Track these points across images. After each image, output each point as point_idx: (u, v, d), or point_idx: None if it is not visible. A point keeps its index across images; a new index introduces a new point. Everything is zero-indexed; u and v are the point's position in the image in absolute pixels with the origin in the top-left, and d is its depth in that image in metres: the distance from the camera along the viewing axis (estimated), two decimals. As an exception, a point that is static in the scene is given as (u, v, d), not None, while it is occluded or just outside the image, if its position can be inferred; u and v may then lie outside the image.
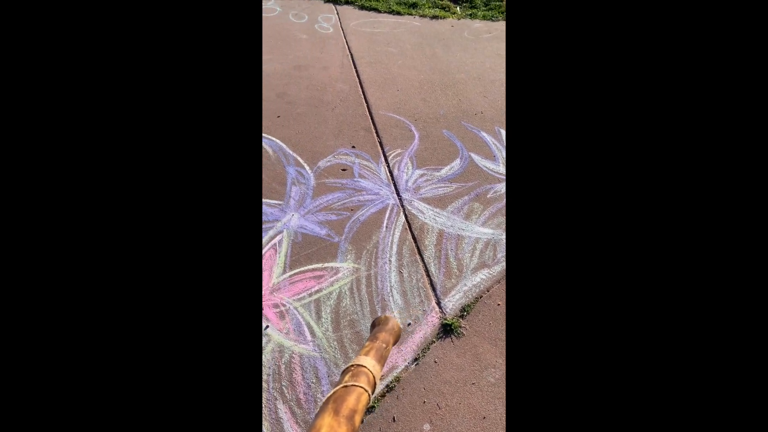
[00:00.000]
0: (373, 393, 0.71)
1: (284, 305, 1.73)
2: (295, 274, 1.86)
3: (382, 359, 0.81)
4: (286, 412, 1.41)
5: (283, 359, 1.55)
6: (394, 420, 1.40)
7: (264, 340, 1.61)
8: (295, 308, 1.72)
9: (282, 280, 1.83)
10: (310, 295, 1.78)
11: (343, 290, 1.80)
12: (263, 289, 1.79)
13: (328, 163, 2.51)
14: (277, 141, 2.67)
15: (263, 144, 2.63)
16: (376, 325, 1.00)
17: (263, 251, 1.95)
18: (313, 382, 1.49)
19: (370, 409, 1.42)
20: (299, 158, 2.53)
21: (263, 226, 2.08)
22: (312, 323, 1.67)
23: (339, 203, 2.25)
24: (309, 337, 1.62)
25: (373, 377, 0.73)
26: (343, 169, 2.48)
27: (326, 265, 1.91)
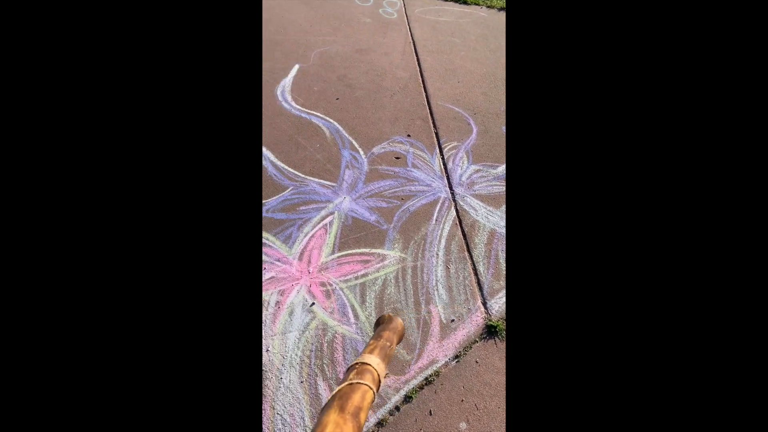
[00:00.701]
0: (377, 391, 0.71)
1: (331, 285, 1.76)
2: (343, 255, 1.89)
3: (386, 358, 0.81)
4: (325, 389, 1.44)
5: (326, 337, 1.58)
6: (430, 413, 1.40)
7: (309, 316, 1.65)
8: (341, 289, 1.75)
9: (330, 260, 1.86)
10: (356, 278, 1.79)
11: (389, 278, 1.80)
12: (312, 265, 1.83)
13: (383, 150, 2.51)
14: (335, 123, 2.69)
15: (320, 124, 2.66)
16: (381, 323, 0.99)
17: (314, 229, 1.99)
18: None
19: (407, 399, 1.42)
20: (354, 142, 2.54)
21: (315, 205, 2.11)
22: (356, 306, 1.69)
23: (390, 191, 2.24)
24: (352, 319, 1.64)
25: (378, 375, 0.72)
26: (397, 157, 2.46)
27: (373, 251, 1.92)
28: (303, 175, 2.29)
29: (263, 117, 2.70)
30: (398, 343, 0.93)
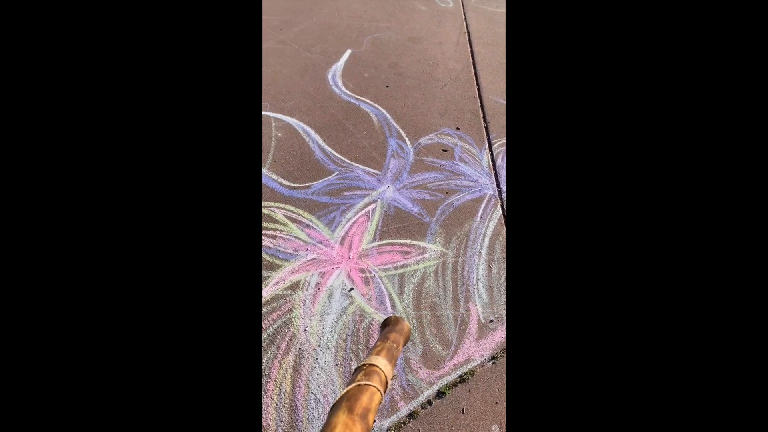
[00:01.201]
0: (385, 392, 0.70)
1: (370, 272, 1.76)
2: (383, 244, 1.88)
3: (393, 359, 0.80)
4: (359, 374, 1.45)
5: (362, 323, 1.59)
6: (462, 412, 1.38)
7: (347, 301, 1.66)
8: (380, 277, 1.75)
9: (371, 248, 1.86)
10: (396, 268, 1.79)
11: (428, 271, 1.78)
12: (353, 251, 1.84)
13: (430, 141, 2.46)
14: (383, 111, 2.67)
15: (369, 111, 2.65)
16: (387, 325, 0.98)
17: (357, 216, 2.00)
18: (388, 353, 1.51)
19: (440, 395, 1.41)
20: (402, 131, 2.52)
21: (359, 192, 2.12)
22: (394, 296, 1.68)
23: (435, 184, 2.20)
24: (389, 308, 1.64)
25: (385, 377, 0.72)
26: (444, 150, 2.42)
27: (414, 242, 1.90)
28: (349, 161, 2.29)
29: (314, 100, 2.72)
30: (404, 345, 0.93)
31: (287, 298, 1.66)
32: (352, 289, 1.70)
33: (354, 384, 0.68)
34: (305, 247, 1.85)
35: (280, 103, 2.68)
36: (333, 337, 1.55)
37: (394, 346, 0.87)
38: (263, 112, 2.61)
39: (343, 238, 1.90)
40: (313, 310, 1.63)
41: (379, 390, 0.68)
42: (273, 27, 3.54)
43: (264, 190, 2.10)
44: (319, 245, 1.86)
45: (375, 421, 0.68)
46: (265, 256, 1.81)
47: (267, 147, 2.36)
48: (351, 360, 1.49)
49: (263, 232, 1.91)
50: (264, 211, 2.00)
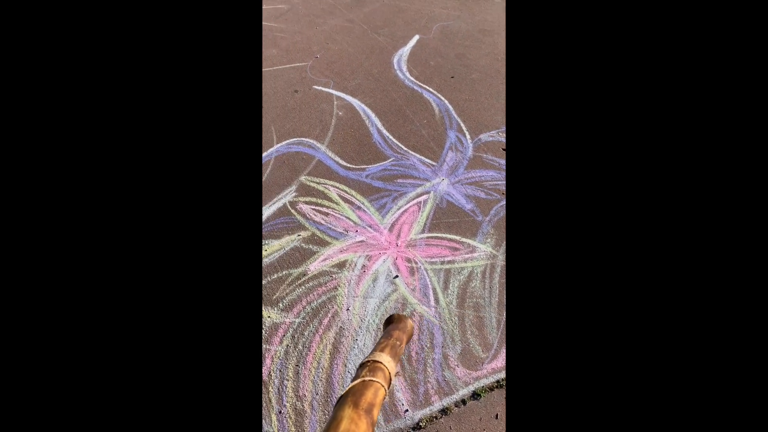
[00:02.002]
0: (389, 388, 0.70)
1: (416, 263, 1.75)
2: (432, 237, 1.86)
3: (396, 356, 0.81)
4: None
5: (404, 312, 1.59)
6: (496, 417, 1.36)
7: (391, 288, 1.66)
8: (426, 270, 1.73)
9: (419, 239, 1.85)
10: (443, 263, 1.77)
11: (476, 271, 1.75)
12: (401, 239, 1.83)
13: (491, 138, 2.39)
14: (445, 101, 2.61)
15: (431, 100, 2.60)
16: (391, 322, 0.97)
17: (408, 204, 1.98)
18: (426, 346, 1.51)
19: (475, 396, 1.39)
20: (462, 124, 2.46)
21: (413, 181, 2.10)
22: (438, 290, 1.67)
23: (491, 182, 2.14)
24: (432, 302, 1.63)
25: (389, 373, 0.72)
26: (505, 149, 2.34)
27: (464, 240, 1.86)
28: (405, 149, 2.27)
29: (378, 82, 2.70)
30: (407, 343, 0.93)
31: (334, 276, 1.69)
32: (396, 276, 1.70)
33: (359, 380, 0.69)
34: (355, 229, 1.87)
35: (343, 81, 2.69)
36: (374, 321, 1.56)
37: (398, 343, 0.87)
38: (326, 89, 2.62)
39: (393, 225, 1.89)
40: (357, 291, 1.65)
41: (383, 386, 0.69)
42: (344, 4, 3.53)
43: (320, 167, 2.13)
44: (369, 228, 1.87)
45: (379, 416, 0.69)
46: (316, 231, 1.84)
47: (327, 125, 2.38)
48: (389, 346, 1.50)
49: (317, 207, 1.94)
50: (319, 187, 2.03)
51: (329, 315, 1.57)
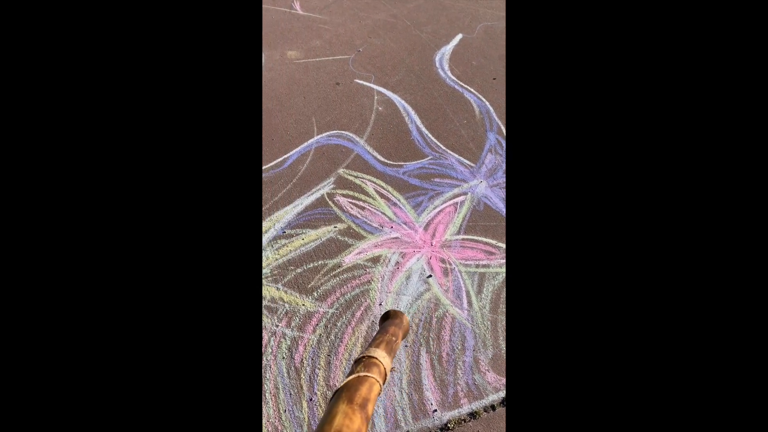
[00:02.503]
0: (384, 384, 0.70)
1: (450, 264, 1.74)
2: (468, 239, 1.84)
3: (392, 352, 0.79)
4: (426, 360, 1.46)
5: (436, 312, 1.58)
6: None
7: (423, 287, 1.66)
8: (460, 272, 1.72)
9: (454, 240, 1.83)
10: (477, 266, 1.75)
11: (510, 277, 1.73)
12: (436, 239, 1.83)
13: (531, 144, 2.34)
14: (486, 103, 2.58)
15: (472, 100, 2.57)
16: (388, 318, 0.96)
17: (444, 204, 1.97)
18: (458, 348, 1.50)
19: (504, 403, 1.38)
20: (503, 128, 2.42)
21: (450, 181, 2.08)
22: (472, 293, 1.65)
23: (530, 188, 2.10)
24: (465, 305, 1.62)
25: (384, 369, 0.72)
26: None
27: (501, 245, 1.84)
28: (444, 148, 2.25)
29: (419, 79, 2.69)
30: (402, 339, 0.92)
31: (367, 270, 1.70)
32: (430, 276, 1.70)
33: (354, 375, 0.69)
34: (390, 225, 1.87)
35: (385, 77, 2.68)
36: (406, 319, 1.56)
37: (393, 339, 0.87)
38: (368, 83, 2.63)
39: (428, 224, 1.89)
40: (390, 287, 1.65)
41: (378, 381, 0.69)
42: (388, -1, 3.52)
43: (359, 161, 2.14)
44: (404, 226, 1.87)
45: (374, 411, 0.69)
46: (352, 224, 1.86)
47: (367, 119, 2.38)
48: (420, 345, 1.50)
49: (353, 200, 1.95)
50: (356, 181, 2.04)
51: (362, 308, 1.58)
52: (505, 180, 2.13)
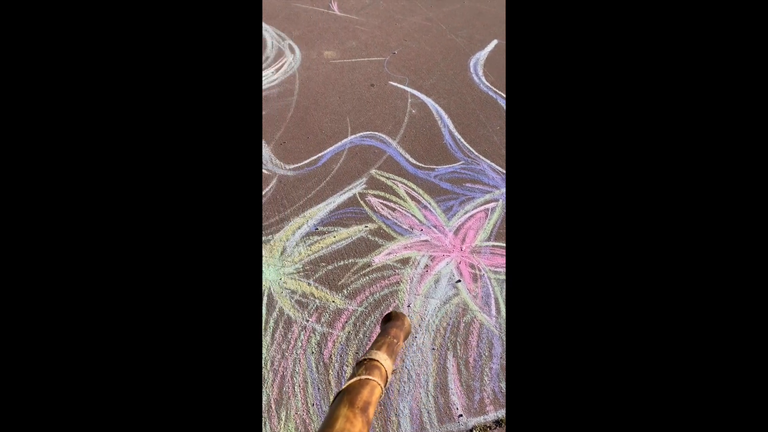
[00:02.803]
0: (385, 386, 0.69)
1: (480, 270, 1.74)
2: (498, 246, 1.83)
3: (393, 354, 0.79)
4: (453, 365, 1.46)
5: (464, 318, 1.58)
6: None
7: (452, 291, 1.66)
8: (489, 278, 1.71)
9: (484, 246, 1.83)
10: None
11: (540, 287, 1.71)
12: (466, 244, 1.83)
13: (565, 153, 2.31)
14: (521, 110, 2.55)
15: (504, 106, 2.55)
16: (389, 320, 0.96)
17: (475, 210, 1.96)
18: (485, 354, 1.49)
19: (532, 413, 1.37)
20: (537, 136, 2.39)
21: (482, 187, 2.07)
22: (500, 301, 1.65)
23: (562, 198, 2.07)
24: (494, 312, 1.61)
25: (386, 371, 0.72)
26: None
27: (531, 253, 1.82)
28: (476, 153, 2.25)
29: (453, 84, 2.69)
30: (404, 340, 0.91)
31: (396, 271, 1.71)
32: (459, 281, 1.70)
33: (355, 378, 0.69)
34: (420, 227, 1.88)
35: (419, 80, 2.69)
36: (434, 322, 1.57)
37: (395, 341, 0.87)
38: (402, 86, 2.65)
39: (458, 229, 1.89)
40: (419, 289, 1.66)
41: (379, 384, 0.69)
42: (424, 2, 3.53)
43: (391, 163, 2.16)
44: (434, 229, 1.88)
45: (375, 414, 0.69)
46: (382, 225, 1.88)
47: (400, 121, 2.40)
48: (447, 350, 1.50)
49: (384, 201, 1.97)
50: (388, 182, 2.06)
51: (390, 309, 1.60)
52: (537, 189, 2.10)
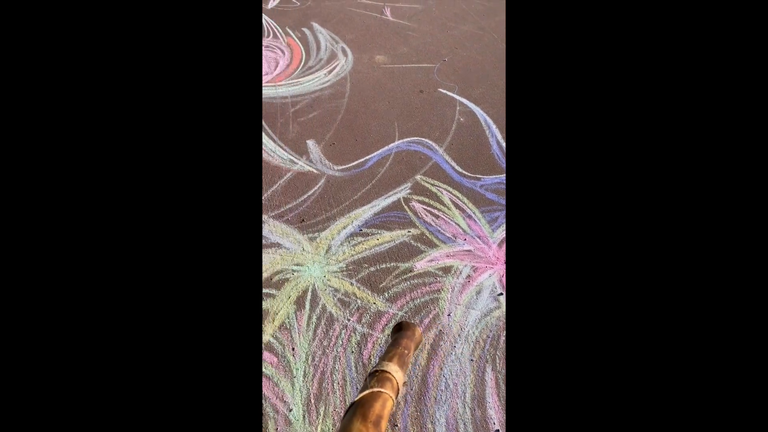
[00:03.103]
0: (396, 398, 0.68)
1: (523, 285, 1.71)
2: (543, 262, 1.80)
3: (404, 365, 0.78)
4: (491, 378, 1.44)
5: (505, 332, 1.56)
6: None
7: (494, 304, 1.64)
8: (532, 294, 1.68)
9: (529, 261, 1.79)
10: (551, 291, 1.70)
11: (586, 307, 1.66)
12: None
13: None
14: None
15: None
16: (400, 330, 0.91)
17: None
18: (525, 371, 1.47)
19: None
20: (588, 152, 2.33)
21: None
22: (543, 318, 1.61)
23: (613, 218, 2.00)
24: (536, 329, 1.58)
25: (397, 383, 0.71)
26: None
27: (577, 272, 1.77)
28: (524, 166, 2.21)
29: (502, 94, 2.66)
30: (414, 351, 0.88)
31: (438, 278, 1.71)
32: (501, 294, 1.68)
33: (367, 390, 0.68)
34: (464, 237, 1.87)
35: (468, 89, 2.69)
36: (474, 333, 1.55)
37: (405, 352, 0.85)
38: (451, 93, 2.65)
39: (502, 241, 1.86)
40: (460, 299, 1.65)
41: (391, 397, 0.68)
42: (477, 11, 3.52)
43: (436, 169, 2.16)
44: (477, 239, 1.86)
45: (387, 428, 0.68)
46: (425, 231, 1.88)
47: (447, 129, 2.40)
48: (486, 362, 1.48)
49: (428, 208, 1.98)
50: (432, 189, 2.06)
51: (430, 316, 1.60)
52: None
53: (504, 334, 1.55)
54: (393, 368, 0.77)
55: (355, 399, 0.69)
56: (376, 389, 0.70)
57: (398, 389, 0.75)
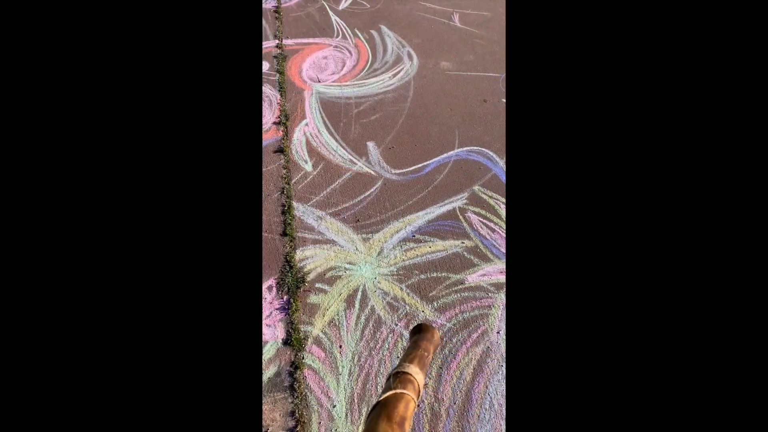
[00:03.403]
0: (418, 400, 0.69)
1: (579, 311, 1.63)
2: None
3: (424, 367, 0.78)
4: (538, 405, 1.39)
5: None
6: None
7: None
8: (589, 322, 1.60)
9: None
10: (609, 321, 1.61)
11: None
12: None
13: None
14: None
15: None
16: (419, 332, 0.90)
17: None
18: (575, 403, 1.40)
19: None
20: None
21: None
22: (599, 349, 1.53)
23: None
24: (590, 360, 1.50)
25: (418, 385, 0.72)
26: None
27: (640, 305, 1.67)
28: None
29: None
30: (433, 353, 0.88)
31: (489, 294, 1.68)
32: (555, 318, 1.61)
33: (391, 392, 0.68)
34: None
35: (534, 101, 2.61)
36: (523, 355, 1.51)
37: (425, 354, 0.84)
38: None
39: (560, 263, 1.79)
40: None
41: (413, 399, 0.69)
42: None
43: (495, 182, 2.12)
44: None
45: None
46: (479, 244, 1.85)
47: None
48: (534, 387, 1.43)
49: (484, 220, 1.94)
50: (490, 201, 2.02)
51: (479, 331, 1.57)
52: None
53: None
54: (414, 370, 0.78)
55: (379, 399, 0.70)
56: (399, 390, 0.71)
57: (419, 392, 0.76)
